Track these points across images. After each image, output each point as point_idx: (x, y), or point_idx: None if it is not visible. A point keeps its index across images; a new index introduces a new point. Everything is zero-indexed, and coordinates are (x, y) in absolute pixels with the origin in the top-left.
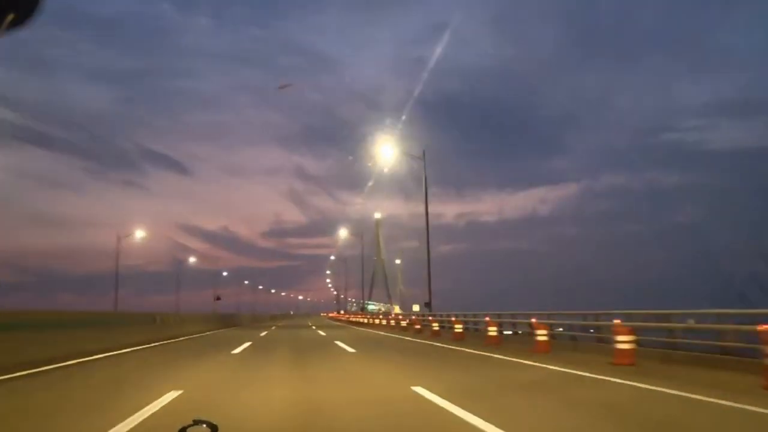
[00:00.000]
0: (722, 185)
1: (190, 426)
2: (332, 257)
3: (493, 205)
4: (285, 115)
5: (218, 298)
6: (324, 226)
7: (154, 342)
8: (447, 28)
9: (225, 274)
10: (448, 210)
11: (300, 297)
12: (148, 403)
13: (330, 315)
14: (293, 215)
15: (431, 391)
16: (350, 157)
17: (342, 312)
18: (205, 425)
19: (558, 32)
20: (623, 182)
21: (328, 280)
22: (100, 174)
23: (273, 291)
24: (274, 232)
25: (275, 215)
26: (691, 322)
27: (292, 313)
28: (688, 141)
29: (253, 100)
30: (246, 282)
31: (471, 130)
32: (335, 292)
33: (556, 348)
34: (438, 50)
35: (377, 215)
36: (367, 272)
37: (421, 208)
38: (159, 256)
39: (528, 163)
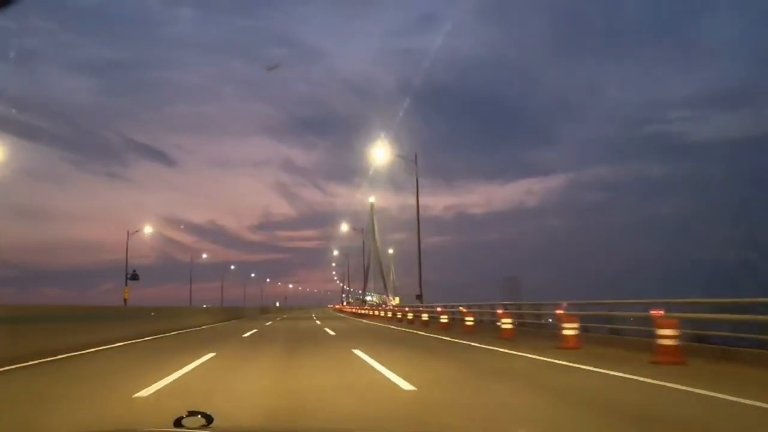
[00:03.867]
0: (708, 176)
1: (184, 417)
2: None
3: (482, 197)
4: (272, 106)
5: (134, 276)
6: (313, 219)
7: None
8: (435, 19)
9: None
10: (437, 202)
11: (290, 285)
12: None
13: (336, 307)
14: (281, 208)
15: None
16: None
17: (346, 304)
18: (199, 416)
19: (547, 23)
20: (610, 173)
21: (333, 273)
22: (84, 166)
23: (253, 275)
24: (262, 225)
25: (263, 208)
26: None
27: (278, 305)
28: (674, 132)
29: (239, 91)
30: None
31: (461, 121)
32: (340, 284)
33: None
34: (426, 41)
35: (372, 200)
36: (362, 263)
37: (412, 200)
38: (144, 249)
39: (517, 154)
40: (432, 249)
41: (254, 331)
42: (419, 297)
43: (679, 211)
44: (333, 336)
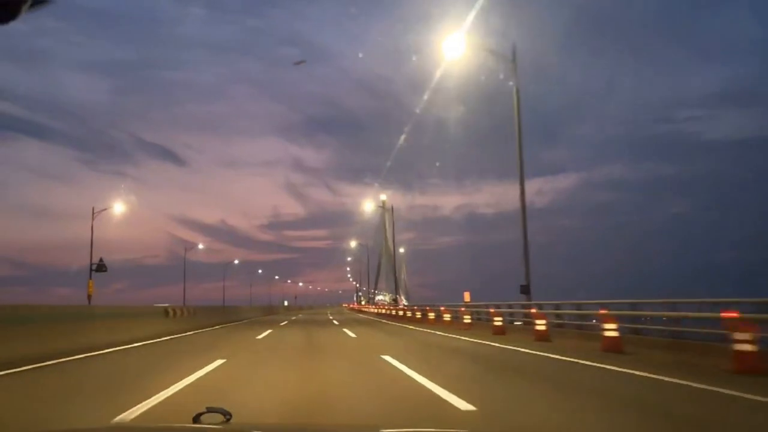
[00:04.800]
0: (721, 175)
1: (203, 413)
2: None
3: (492, 196)
4: (283, 106)
5: (100, 267)
6: (323, 219)
7: None
8: (447, 17)
9: None
10: (447, 202)
11: (300, 284)
12: None
13: (351, 306)
14: (291, 207)
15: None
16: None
17: (365, 303)
18: (218, 413)
19: (561, 22)
20: (622, 173)
21: (348, 268)
22: (94, 165)
23: (260, 271)
24: (272, 225)
25: (273, 207)
26: None
27: (286, 304)
28: (686, 131)
29: (249, 91)
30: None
31: (472, 120)
32: (355, 283)
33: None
34: (439, 40)
35: (383, 197)
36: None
37: (418, 200)
38: (155, 249)
39: (528, 153)
40: (443, 249)
41: (201, 373)
42: (526, 289)
43: (693, 211)
44: None
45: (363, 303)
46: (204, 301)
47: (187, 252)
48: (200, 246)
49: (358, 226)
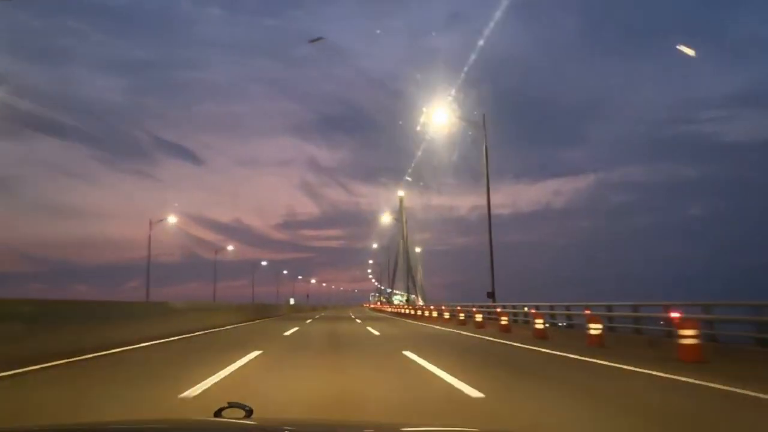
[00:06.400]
0: (740, 177)
1: (225, 408)
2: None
3: (509, 197)
4: (299, 105)
5: None
6: (337, 218)
7: None
8: (463, 18)
9: None
10: (463, 202)
11: (313, 281)
12: None
13: (372, 306)
14: (306, 207)
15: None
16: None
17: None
18: (240, 407)
19: (578, 21)
20: (640, 174)
21: (369, 264)
22: (113, 164)
23: (264, 263)
24: (287, 224)
25: (288, 207)
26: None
27: (292, 302)
28: (706, 132)
29: (266, 91)
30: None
31: (490, 120)
32: (375, 282)
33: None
34: (454, 40)
35: (401, 193)
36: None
37: (434, 201)
38: (170, 247)
39: (545, 153)
40: (458, 250)
41: None
42: None
43: (710, 212)
44: None
45: (396, 302)
46: (214, 299)
47: (153, 228)
48: (171, 219)
49: (375, 225)
